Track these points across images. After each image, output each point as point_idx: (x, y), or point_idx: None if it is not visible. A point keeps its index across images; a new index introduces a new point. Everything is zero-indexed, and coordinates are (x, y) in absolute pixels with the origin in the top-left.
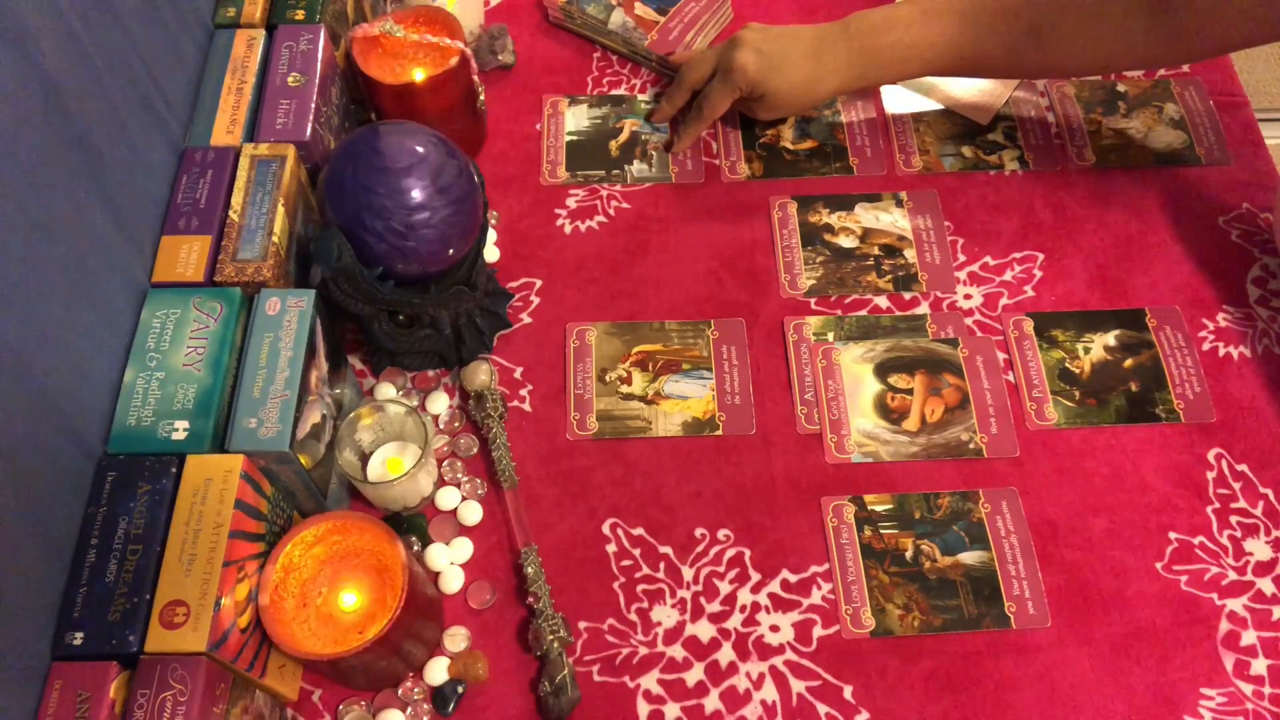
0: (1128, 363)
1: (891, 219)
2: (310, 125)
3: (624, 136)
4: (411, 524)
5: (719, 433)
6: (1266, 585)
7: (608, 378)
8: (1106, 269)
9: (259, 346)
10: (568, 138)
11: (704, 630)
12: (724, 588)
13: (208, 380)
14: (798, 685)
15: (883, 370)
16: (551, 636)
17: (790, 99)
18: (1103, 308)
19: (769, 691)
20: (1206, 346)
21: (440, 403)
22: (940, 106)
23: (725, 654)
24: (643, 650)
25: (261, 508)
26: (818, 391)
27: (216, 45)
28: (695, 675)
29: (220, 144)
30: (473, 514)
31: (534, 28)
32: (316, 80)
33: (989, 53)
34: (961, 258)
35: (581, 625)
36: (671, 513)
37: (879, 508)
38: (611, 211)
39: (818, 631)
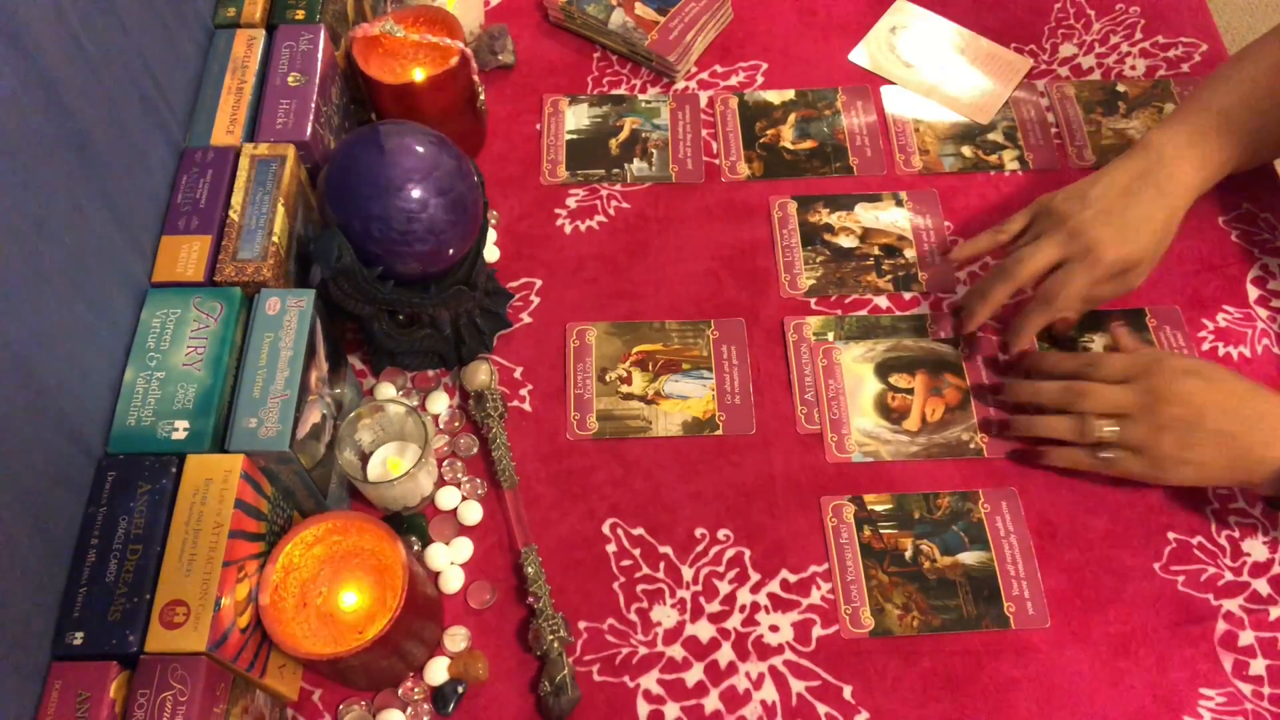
0: None
1: (891, 219)
2: (310, 125)
3: (624, 134)
4: (411, 524)
5: (719, 433)
6: (1262, 586)
7: (608, 377)
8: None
9: (259, 346)
10: (568, 137)
11: (704, 630)
12: (724, 588)
13: (208, 380)
14: (797, 685)
15: (883, 370)
16: (551, 636)
17: (1158, 252)
18: (1103, 307)
19: (769, 691)
20: (1206, 346)
21: (440, 402)
22: (940, 106)
23: (725, 654)
24: (643, 650)
25: (261, 507)
26: (818, 391)
27: (216, 45)
28: (695, 675)
29: (220, 144)
30: (473, 514)
31: (534, 28)
32: (316, 80)
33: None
34: None
35: (581, 625)
36: (671, 513)
37: (878, 507)
38: (611, 211)
39: (817, 631)
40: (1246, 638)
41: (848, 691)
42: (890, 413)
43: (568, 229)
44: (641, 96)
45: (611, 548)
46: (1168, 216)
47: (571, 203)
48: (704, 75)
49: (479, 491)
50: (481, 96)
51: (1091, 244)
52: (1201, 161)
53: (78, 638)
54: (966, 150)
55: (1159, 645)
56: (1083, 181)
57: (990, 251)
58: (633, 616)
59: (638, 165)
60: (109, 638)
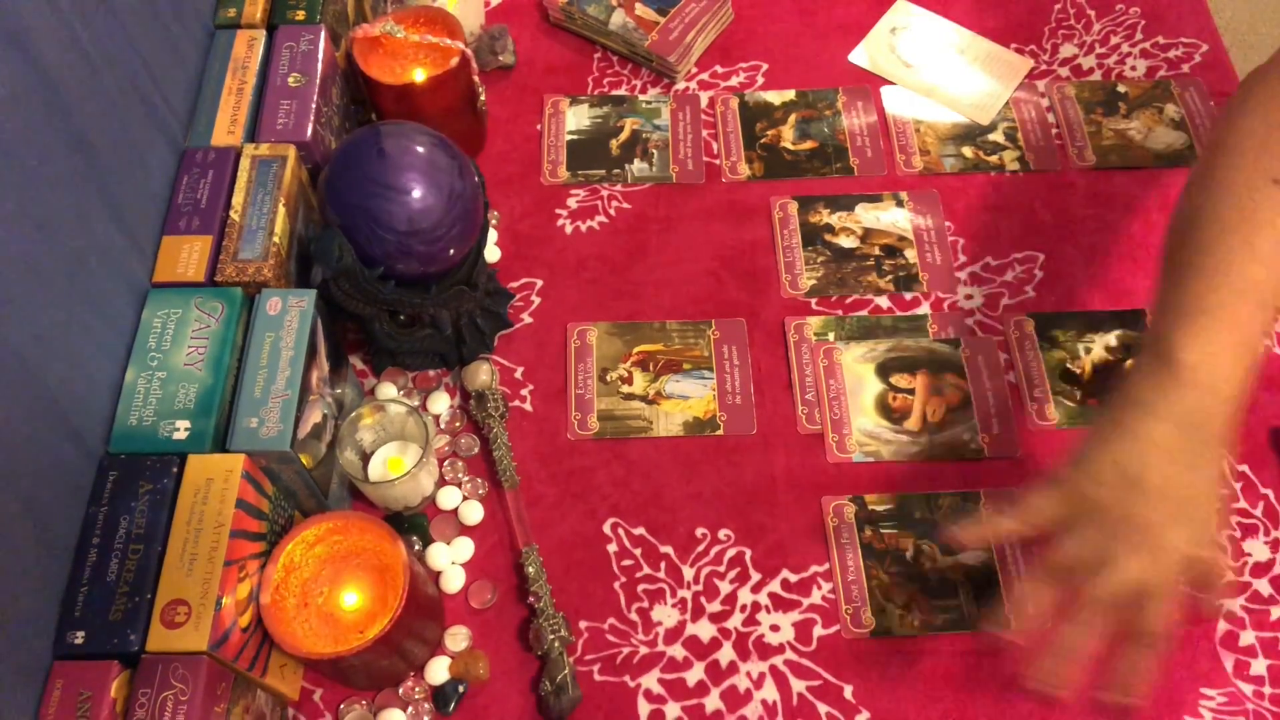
0: (1129, 363)
1: (892, 219)
2: (311, 125)
3: (625, 135)
4: (412, 523)
5: (720, 433)
6: (1263, 586)
7: (609, 377)
8: (1107, 269)
9: (260, 346)
10: (568, 137)
11: (704, 630)
12: (724, 587)
13: (209, 380)
14: (798, 685)
15: (884, 370)
16: (552, 636)
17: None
18: (1103, 308)
19: (769, 691)
20: None
21: (441, 402)
22: (941, 107)
23: (726, 653)
24: (643, 650)
25: (263, 507)
26: (819, 391)
27: (217, 45)
28: (696, 675)
29: (221, 144)
30: (474, 514)
31: (534, 28)
32: (317, 80)
33: None
34: (962, 258)
35: (582, 625)
36: (672, 512)
37: (879, 507)
38: (612, 211)
39: (818, 631)
40: (1247, 638)
41: (848, 691)
42: (891, 413)
43: (568, 229)
44: (642, 97)
45: (612, 547)
46: (1221, 469)
47: (572, 203)
48: (704, 76)
49: (480, 491)
50: (482, 97)
51: (1167, 548)
52: (1243, 350)
53: (79, 637)
54: (967, 150)
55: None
56: (1119, 449)
57: (1014, 538)
58: (633, 616)
59: (638, 165)
60: (110, 637)
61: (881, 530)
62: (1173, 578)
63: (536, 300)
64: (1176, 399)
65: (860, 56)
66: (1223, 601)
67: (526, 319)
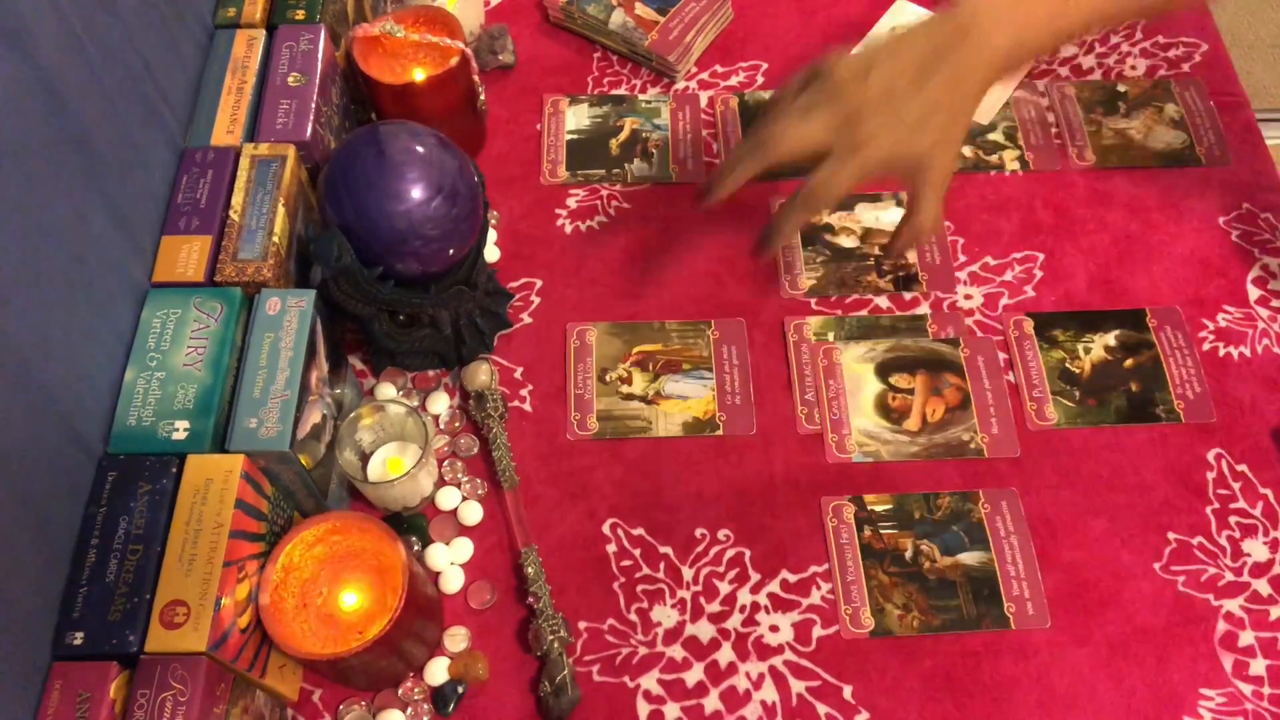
0: (1128, 363)
1: (892, 219)
2: (310, 125)
3: (624, 135)
4: (412, 524)
5: (719, 433)
6: (1263, 586)
7: (608, 378)
8: (1106, 269)
9: (259, 346)
10: (568, 137)
11: (704, 630)
12: (724, 588)
13: (208, 380)
14: (797, 685)
15: (884, 370)
16: (551, 636)
17: (948, 147)
18: (1103, 308)
19: (769, 691)
20: (1206, 346)
21: (440, 403)
22: None
23: (725, 654)
24: (642, 650)
25: (262, 507)
26: (818, 391)
27: (217, 45)
28: (695, 675)
29: (220, 144)
30: (473, 514)
31: (534, 28)
32: (317, 80)
33: None
34: (962, 258)
35: (581, 625)
36: (671, 513)
37: (879, 508)
38: (612, 211)
39: (817, 631)
40: (1246, 638)
41: (848, 692)
42: (890, 413)
43: (568, 229)
44: (641, 96)
45: (611, 548)
46: (960, 103)
47: (572, 203)
48: (704, 75)
49: (479, 492)
50: (481, 96)
51: (863, 140)
52: (1024, 23)
53: (78, 638)
54: (966, 150)
55: (1159, 645)
56: (874, 47)
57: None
58: (633, 617)
59: (638, 165)
60: (109, 638)
61: (881, 530)
62: (854, 159)
63: (536, 300)
64: (939, 27)
65: None
66: (907, 252)
67: (526, 319)
